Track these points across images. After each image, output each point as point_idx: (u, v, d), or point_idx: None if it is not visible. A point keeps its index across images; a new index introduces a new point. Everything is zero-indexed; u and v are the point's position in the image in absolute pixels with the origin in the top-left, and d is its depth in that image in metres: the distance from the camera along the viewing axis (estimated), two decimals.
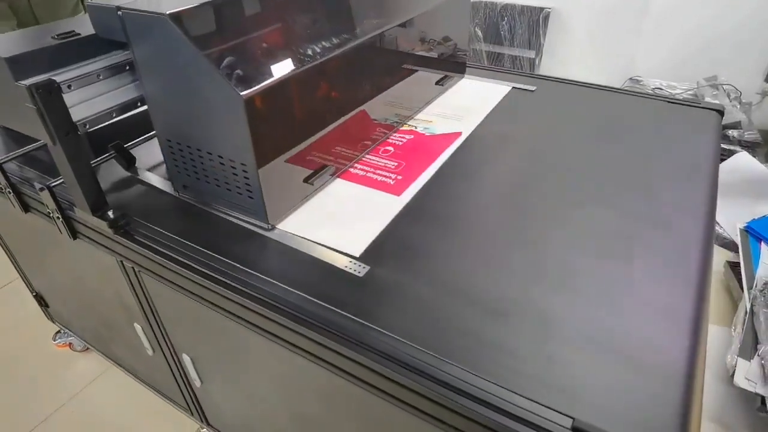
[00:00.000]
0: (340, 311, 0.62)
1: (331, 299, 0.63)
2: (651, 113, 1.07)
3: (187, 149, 0.78)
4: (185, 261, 0.72)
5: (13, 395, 1.39)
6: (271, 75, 0.69)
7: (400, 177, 0.89)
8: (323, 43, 0.78)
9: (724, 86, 2.37)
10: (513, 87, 1.20)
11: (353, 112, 0.88)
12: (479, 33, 3.00)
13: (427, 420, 0.56)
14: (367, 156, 0.96)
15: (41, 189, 0.85)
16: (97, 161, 0.94)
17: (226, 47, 0.67)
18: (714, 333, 1.45)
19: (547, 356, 0.55)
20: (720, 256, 1.81)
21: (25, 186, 0.92)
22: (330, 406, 0.75)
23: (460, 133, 1.02)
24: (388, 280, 0.67)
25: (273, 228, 0.77)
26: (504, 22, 2.90)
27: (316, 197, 0.85)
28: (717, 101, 2.30)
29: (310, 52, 0.75)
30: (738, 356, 1.21)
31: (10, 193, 0.94)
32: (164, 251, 0.74)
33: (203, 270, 0.70)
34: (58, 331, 1.49)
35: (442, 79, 1.17)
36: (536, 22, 2.81)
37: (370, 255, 0.71)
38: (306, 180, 0.82)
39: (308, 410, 0.81)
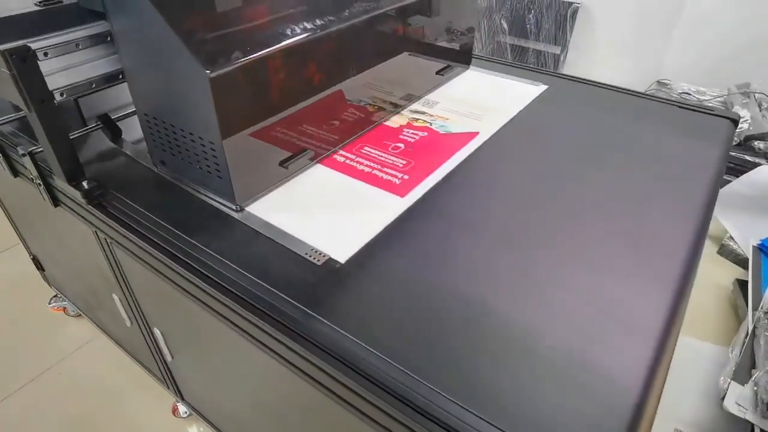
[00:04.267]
0: (286, 297, 0.60)
1: (282, 285, 0.62)
2: (660, 118, 1.02)
3: (162, 124, 0.77)
4: (150, 237, 0.72)
5: (6, 353, 1.43)
6: (242, 54, 0.67)
7: (407, 177, 0.82)
8: (302, 23, 0.76)
9: (756, 94, 2.26)
10: (547, 87, 1.13)
11: (328, 94, 0.85)
12: (504, 25, 2.92)
13: (365, 421, 0.55)
14: (374, 150, 0.89)
15: (23, 155, 0.86)
16: (86, 130, 0.94)
17: (198, 23, 0.66)
18: (711, 352, 1.39)
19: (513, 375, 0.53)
20: (731, 273, 1.74)
21: (13, 151, 0.93)
22: (281, 395, 0.74)
23: (476, 134, 0.94)
24: (350, 274, 0.65)
25: (241, 209, 0.76)
26: (530, 16, 2.82)
27: (301, 186, 0.81)
28: (746, 110, 2.20)
29: (287, 31, 0.73)
30: (731, 379, 1.16)
31: None
32: (132, 225, 0.74)
33: (165, 247, 0.70)
34: (55, 295, 1.53)
35: (442, 69, 1.14)
36: (564, 17, 2.72)
37: (353, 260, 0.67)
38: (281, 164, 0.81)
39: (264, 397, 0.80)
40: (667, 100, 1.10)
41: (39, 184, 0.87)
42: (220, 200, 0.77)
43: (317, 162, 0.87)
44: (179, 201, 0.79)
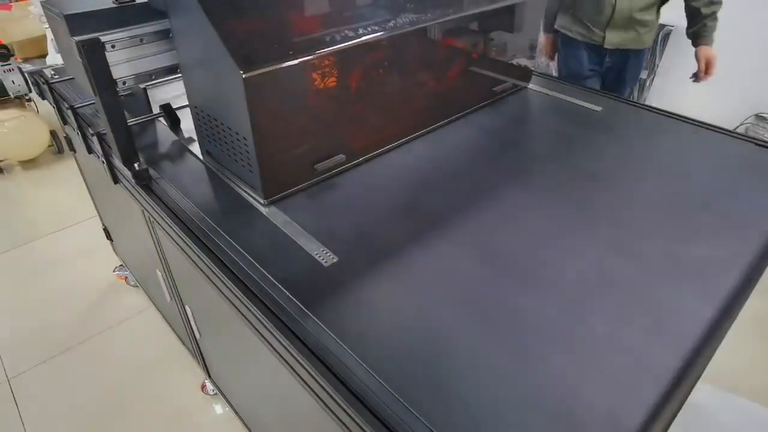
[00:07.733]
0: (287, 292, 0.62)
1: (285, 281, 0.64)
2: (736, 156, 0.94)
3: (207, 117, 0.82)
4: (180, 219, 0.77)
5: (74, 311, 1.59)
6: (279, 59, 0.70)
7: None
8: (346, 31, 0.78)
9: None
10: None
11: (365, 102, 0.86)
12: None
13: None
14: None
15: (92, 135, 0.95)
16: (147, 117, 1.03)
17: (241, 26, 0.70)
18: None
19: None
20: None
21: (88, 131, 1.04)
22: (281, 393, 0.76)
23: None
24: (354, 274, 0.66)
25: (269, 204, 0.80)
26: None
27: None
28: None
29: (328, 39, 0.76)
30: None
31: (79, 134, 1.07)
32: (168, 206, 0.80)
33: (190, 229, 0.74)
34: (120, 265, 1.67)
35: (498, 84, 1.12)
36: (654, 40, 2.55)
37: None
38: (313, 165, 0.83)
39: (269, 391, 0.83)
40: (741, 136, 1.00)
41: (103, 161, 0.97)
42: (251, 193, 0.81)
43: None
44: (216, 190, 0.84)
